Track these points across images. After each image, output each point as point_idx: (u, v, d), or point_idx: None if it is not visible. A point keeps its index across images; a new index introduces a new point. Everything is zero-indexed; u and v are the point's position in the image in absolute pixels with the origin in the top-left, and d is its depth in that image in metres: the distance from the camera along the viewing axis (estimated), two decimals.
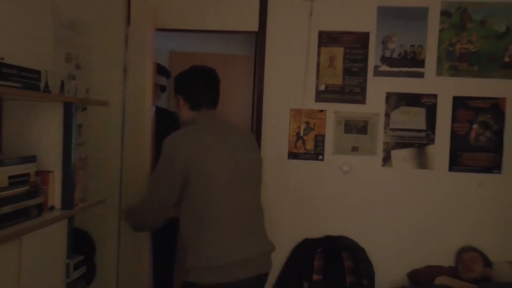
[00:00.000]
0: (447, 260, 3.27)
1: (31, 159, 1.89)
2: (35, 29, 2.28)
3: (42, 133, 2.05)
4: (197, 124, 2.28)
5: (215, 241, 2.14)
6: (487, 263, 3.14)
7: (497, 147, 3.27)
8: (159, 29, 3.36)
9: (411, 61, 3.29)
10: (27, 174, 1.86)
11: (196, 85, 2.33)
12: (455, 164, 3.29)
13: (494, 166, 3.28)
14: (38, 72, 1.92)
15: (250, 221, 2.25)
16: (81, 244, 2.44)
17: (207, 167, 2.14)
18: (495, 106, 3.27)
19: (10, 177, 1.75)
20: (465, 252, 3.18)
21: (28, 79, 1.84)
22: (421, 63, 3.29)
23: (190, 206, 2.18)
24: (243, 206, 2.23)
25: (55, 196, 2.06)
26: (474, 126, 3.28)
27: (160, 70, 3.34)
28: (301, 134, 3.31)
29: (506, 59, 3.26)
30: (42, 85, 2.03)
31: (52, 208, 2.05)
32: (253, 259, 2.19)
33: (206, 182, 2.14)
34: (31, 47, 2.24)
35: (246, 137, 2.40)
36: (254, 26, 3.33)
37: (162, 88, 3.34)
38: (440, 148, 3.29)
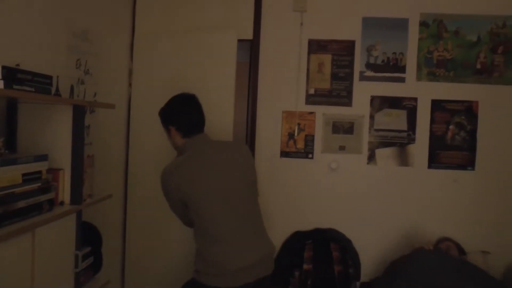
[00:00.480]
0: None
1: (43, 157, 1.87)
2: (49, 38, 2.27)
3: (54, 134, 2.04)
4: (188, 151, 2.28)
5: (219, 252, 2.18)
6: (462, 252, 3.16)
7: (471, 146, 3.29)
8: None
9: (393, 67, 3.30)
10: (39, 172, 1.85)
11: (185, 113, 2.31)
12: (433, 161, 3.30)
13: (468, 164, 3.29)
14: (50, 77, 1.90)
15: (249, 229, 2.26)
16: (88, 237, 2.42)
17: (200, 193, 2.18)
18: (469, 109, 3.28)
19: (23, 175, 1.73)
20: (442, 242, 3.20)
21: (41, 84, 1.83)
22: (402, 69, 3.30)
23: (196, 221, 2.24)
24: (241, 217, 2.24)
25: (65, 192, 2.05)
26: (451, 127, 3.29)
27: None
28: (295, 135, 3.31)
29: (478, 66, 3.28)
30: (53, 89, 2.02)
31: (62, 203, 2.03)
32: (255, 264, 2.20)
33: (202, 206, 2.19)
34: (45, 55, 2.23)
35: (236, 150, 2.37)
36: (249, 35, 3.32)
37: None
38: (420, 147, 3.30)
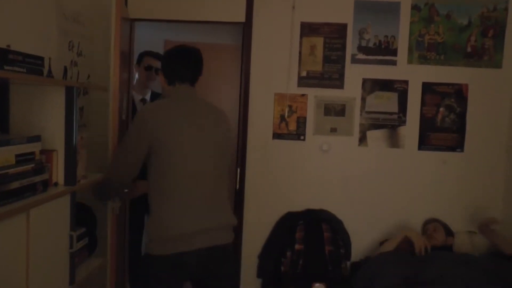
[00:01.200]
0: (416, 230, 3.30)
1: (36, 138, 1.86)
2: (40, 19, 2.24)
3: (47, 115, 2.02)
4: (170, 97, 2.25)
5: (175, 213, 2.12)
6: (449, 232, 3.19)
7: (460, 128, 3.30)
8: (155, 20, 3.33)
9: (384, 50, 3.28)
10: (33, 153, 1.83)
11: (173, 62, 2.28)
12: (423, 143, 3.31)
13: (457, 145, 3.31)
14: (41, 58, 1.88)
15: (212, 193, 2.20)
16: (83, 218, 2.42)
17: (171, 138, 2.11)
18: (459, 91, 3.29)
19: (17, 156, 1.72)
20: (429, 223, 3.23)
21: (32, 65, 1.80)
22: (394, 52, 3.28)
23: (155, 177, 2.16)
24: (206, 178, 2.18)
25: (58, 173, 2.03)
26: (441, 109, 3.30)
27: (156, 55, 3.34)
28: (286, 116, 3.31)
29: (468, 49, 3.27)
30: (45, 70, 1.99)
31: (56, 184, 2.02)
32: (212, 230, 2.15)
33: (168, 153, 2.11)
34: (36, 36, 2.19)
35: (216, 114, 2.32)
36: (241, 18, 3.29)
37: (157, 71, 3.31)
38: (410, 129, 3.31)
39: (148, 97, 3.43)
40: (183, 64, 2.27)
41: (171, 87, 2.27)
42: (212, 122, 2.26)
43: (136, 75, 3.43)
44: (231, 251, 2.30)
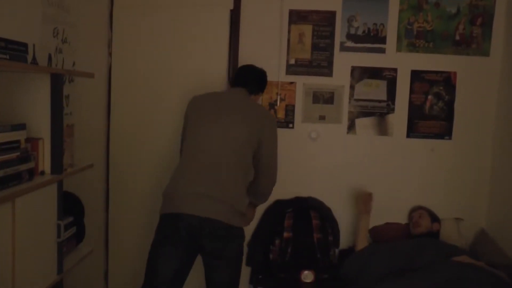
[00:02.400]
0: (403, 217, 3.33)
1: (21, 126, 1.83)
2: (23, 4, 2.19)
3: (32, 103, 1.99)
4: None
5: (176, 176, 2.43)
6: (435, 218, 3.19)
7: (449, 116, 3.31)
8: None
9: (373, 38, 3.27)
10: (18, 141, 1.81)
11: (237, 72, 2.85)
12: (411, 131, 3.32)
13: (445, 133, 3.32)
14: (25, 45, 1.84)
15: (218, 175, 2.36)
16: (71, 207, 2.40)
17: (195, 118, 2.50)
18: (447, 79, 3.29)
19: (1, 144, 1.70)
20: (414, 211, 3.25)
21: (16, 51, 1.77)
22: (383, 40, 3.27)
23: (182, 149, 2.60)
24: (215, 160, 2.39)
25: (45, 161, 2.01)
26: (429, 97, 3.30)
27: None
28: (277, 105, 3.29)
29: (457, 37, 3.27)
30: (29, 57, 1.95)
31: (42, 173, 2.00)
32: (204, 198, 2.29)
33: (190, 130, 2.49)
34: (19, 22, 2.15)
35: (254, 113, 2.55)
36: (229, 4, 3.25)
37: None
38: (399, 117, 3.31)
39: None
40: (242, 73, 2.80)
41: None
42: (240, 118, 2.49)
43: None
44: (232, 233, 2.35)
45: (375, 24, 3.27)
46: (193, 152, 2.43)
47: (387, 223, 3.30)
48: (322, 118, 3.32)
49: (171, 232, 2.31)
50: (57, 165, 2.03)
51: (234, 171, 2.40)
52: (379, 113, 3.31)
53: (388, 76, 3.29)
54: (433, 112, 3.31)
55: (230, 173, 2.39)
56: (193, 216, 2.25)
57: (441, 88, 3.30)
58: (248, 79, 2.73)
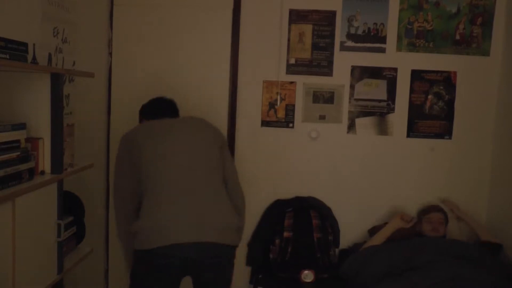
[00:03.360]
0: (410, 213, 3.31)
1: (21, 126, 1.83)
2: (23, 4, 2.19)
3: (32, 103, 1.99)
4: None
5: (154, 208, 2.11)
6: (447, 222, 3.14)
7: (449, 116, 3.31)
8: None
9: (374, 38, 3.27)
10: (18, 141, 1.81)
11: (151, 106, 2.48)
12: (411, 130, 3.32)
13: (445, 133, 3.32)
14: (25, 44, 1.84)
15: (202, 197, 2.16)
16: (71, 206, 2.40)
17: (150, 147, 2.18)
18: (447, 79, 3.29)
19: (1, 143, 1.69)
20: (433, 212, 3.12)
21: (16, 51, 1.77)
22: (383, 40, 3.27)
23: (145, 182, 2.17)
24: (194, 183, 2.17)
25: (45, 161, 2.01)
26: (429, 96, 3.30)
27: None
28: (278, 104, 3.29)
29: (457, 37, 3.27)
30: (29, 57, 1.95)
31: (42, 172, 2.00)
32: (200, 224, 2.08)
33: (154, 160, 2.16)
34: (20, 22, 2.15)
35: (194, 123, 2.39)
36: (229, 4, 3.25)
37: None
38: (399, 116, 3.31)
39: None
40: (159, 107, 2.46)
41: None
42: (195, 130, 2.33)
43: None
44: (232, 254, 2.22)
45: (375, 23, 3.26)
46: (166, 178, 2.16)
47: (386, 223, 3.29)
48: (322, 117, 3.32)
49: (164, 267, 2.06)
50: (57, 165, 2.03)
51: (215, 186, 2.25)
52: (379, 112, 3.31)
53: (388, 76, 3.29)
54: (433, 111, 3.31)
55: (215, 189, 2.24)
56: (191, 245, 2.05)
57: (441, 87, 3.29)
58: (166, 109, 2.46)
